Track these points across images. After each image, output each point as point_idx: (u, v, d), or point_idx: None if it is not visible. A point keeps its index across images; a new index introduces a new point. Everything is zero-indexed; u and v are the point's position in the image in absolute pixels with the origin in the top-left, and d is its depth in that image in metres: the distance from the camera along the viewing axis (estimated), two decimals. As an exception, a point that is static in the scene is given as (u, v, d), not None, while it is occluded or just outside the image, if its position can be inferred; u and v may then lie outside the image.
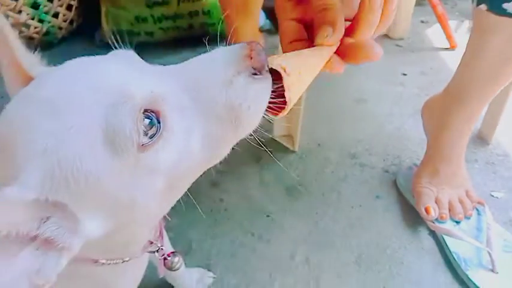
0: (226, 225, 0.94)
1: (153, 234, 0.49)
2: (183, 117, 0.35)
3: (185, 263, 0.71)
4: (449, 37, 1.66)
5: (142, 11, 1.54)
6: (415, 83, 1.45)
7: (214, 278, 0.83)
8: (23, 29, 1.55)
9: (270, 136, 1.18)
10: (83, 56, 0.36)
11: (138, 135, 0.31)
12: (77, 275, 0.41)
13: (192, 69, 0.37)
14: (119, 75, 0.34)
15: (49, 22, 1.60)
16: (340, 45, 0.41)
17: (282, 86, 0.36)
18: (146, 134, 0.32)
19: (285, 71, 0.36)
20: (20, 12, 1.52)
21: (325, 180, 1.05)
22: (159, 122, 0.33)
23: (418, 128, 1.18)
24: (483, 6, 0.74)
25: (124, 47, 0.39)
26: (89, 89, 0.32)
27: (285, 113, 0.38)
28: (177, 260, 0.54)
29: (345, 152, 1.14)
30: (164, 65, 0.38)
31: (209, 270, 0.85)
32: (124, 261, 0.43)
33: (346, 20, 0.40)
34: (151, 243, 0.49)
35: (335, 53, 0.41)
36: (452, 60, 1.57)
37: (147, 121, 0.32)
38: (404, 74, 1.50)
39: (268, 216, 0.96)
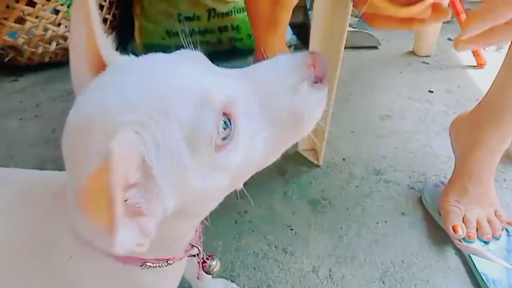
0: (251, 237, 0.95)
1: (194, 235, 0.51)
2: (250, 120, 0.37)
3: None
4: (476, 55, 1.64)
5: (174, 25, 1.60)
6: (442, 101, 1.44)
7: (238, 288, 0.84)
8: (61, 41, 1.64)
9: (295, 150, 1.20)
10: None
11: (217, 137, 0.34)
12: (121, 282, 0.43)
13: (261, 75, 0.39)
14: (198, 76, 0.36)
15: (85, 35, 1.68)
16: None
17: None
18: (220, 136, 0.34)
19: None
20: (59, 25, 1.60)
21: (349, 195, 1.06)
22: (231, 124, 0.35)
23: (444, 145, 1.17)
24: None
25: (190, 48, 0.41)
26: (173, 88, 0.34)
27: None
28: (215, 263, 0.56)
29: (370, 168, 1.14)
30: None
31: (233, 281, 0.85)
32: (168, 263, 0.45)
33: None
34: (192, 246, 0.51)
35: None
36: (480, 78, 1.55)
37: (222, 124, 0.34)
38: (431, 92, 1.50)
39: (291, 229, 0.97)
